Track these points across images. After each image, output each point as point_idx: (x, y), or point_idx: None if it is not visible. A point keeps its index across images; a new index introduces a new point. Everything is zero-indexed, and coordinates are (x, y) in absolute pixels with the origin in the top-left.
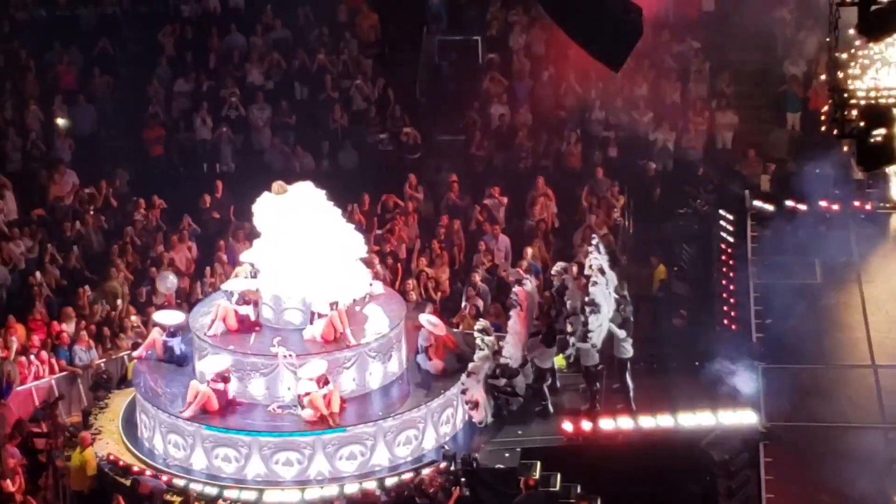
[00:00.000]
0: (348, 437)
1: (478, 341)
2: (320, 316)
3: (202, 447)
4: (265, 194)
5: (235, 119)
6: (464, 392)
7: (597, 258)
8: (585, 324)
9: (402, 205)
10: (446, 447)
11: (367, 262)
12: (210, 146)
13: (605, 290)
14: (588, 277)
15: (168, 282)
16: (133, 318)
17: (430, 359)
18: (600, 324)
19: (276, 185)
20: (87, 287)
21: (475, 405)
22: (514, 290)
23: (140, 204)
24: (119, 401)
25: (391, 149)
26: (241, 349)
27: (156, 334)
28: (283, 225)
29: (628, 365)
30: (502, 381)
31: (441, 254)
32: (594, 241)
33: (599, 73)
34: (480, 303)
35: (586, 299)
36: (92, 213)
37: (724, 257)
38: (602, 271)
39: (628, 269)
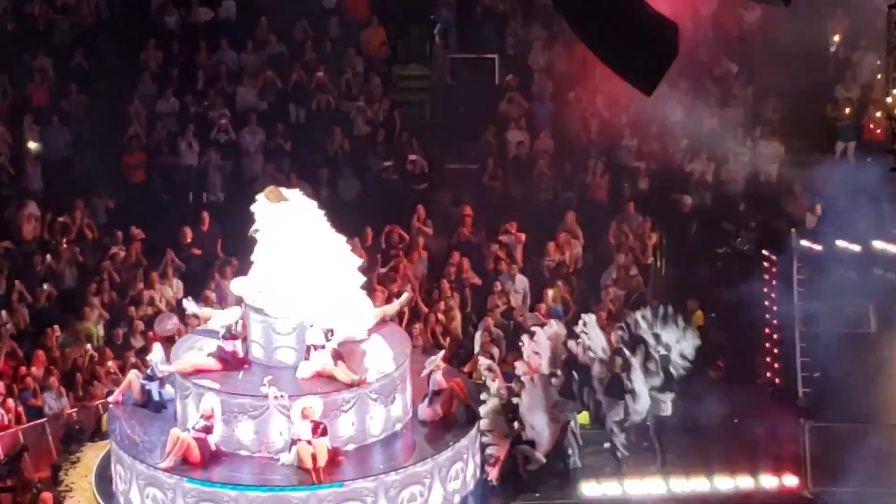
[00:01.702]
0: (346, 492)
1: (486, 380)
2: (316, 349)
3: (184, 502)
4: (259, 199)
5: (225, 143)
6: (485, 448)
7: (644, 330)
8: (627, 412)
9: (409, 240)
10: None
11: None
12: (196, 173)
13: (640, 374)
14: (620, 358)
15: (168, 324)
16: (109, 363)
17: (428, 405)
18: (641, 407)
19: (271, 191)
20: (56, 328)
21: (496, 461)
22: (532, 335)
23: (118, 237)
24: (92, 455)
25: (396, 177)
26: (227, 388)
27: (132, 377)
28: (280, 238)
29: (662, 422)
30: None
31: (452, 295)
32: (638, 315)
33: (630, 96)
34: (496, 350)
35: (628, 386)
36: (65, 245)
37: (767, 302)
38: (644, 345)
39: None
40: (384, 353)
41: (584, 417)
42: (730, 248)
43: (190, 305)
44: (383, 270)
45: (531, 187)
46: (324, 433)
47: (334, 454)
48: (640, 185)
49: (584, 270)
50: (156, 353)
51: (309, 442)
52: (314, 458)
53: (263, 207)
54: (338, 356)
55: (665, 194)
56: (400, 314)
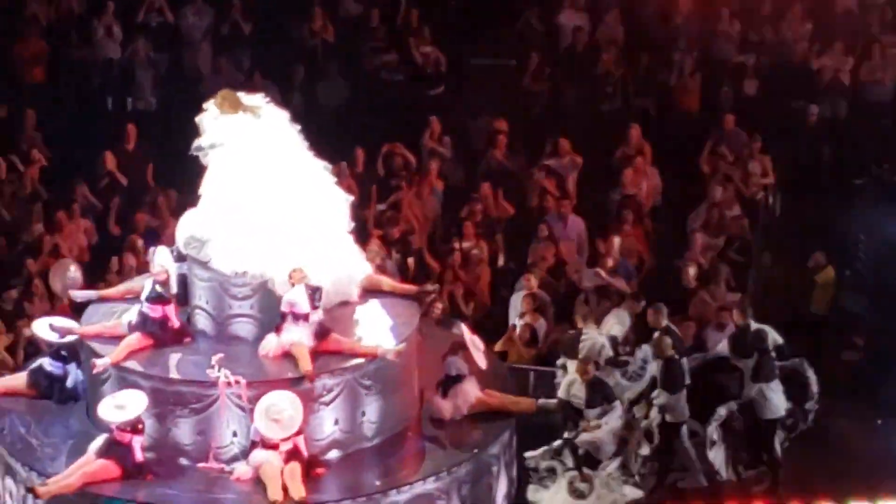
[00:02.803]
0: None
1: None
2: (295, 317)
3: None
4: (208, 107)
5: (158, 28)
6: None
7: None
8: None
9: (417, 165)
10: None
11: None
12: (119, 70)
13: None
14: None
15: (67, 276)
16: None
17: (444, 396)
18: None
19: (225, 96)
20: None
21: None
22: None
23: (6, 160)
24: None
25: (401, 78)
26: (158, 371)
27: (13, 381)
28: (235, 164)
29: (777, 426)
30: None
31: (478, 243)
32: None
33: None
34: (541, 322)
35: None
36: None
37: None
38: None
39: (773, 272)
40: (382, 323)
41: None
42: (872, 177)
43: (83, 295)
44: (381, 207)
45: (592, 91)
46: (296, 433)
47: (311, 465)
48: (745, 89)
49: (664, 209)
50: (41, 327)
51: (275, 447)
52: (283, 474)
53: (214, 119)
54: (325, 332)
55: (782, 102)
56: (403, 269)
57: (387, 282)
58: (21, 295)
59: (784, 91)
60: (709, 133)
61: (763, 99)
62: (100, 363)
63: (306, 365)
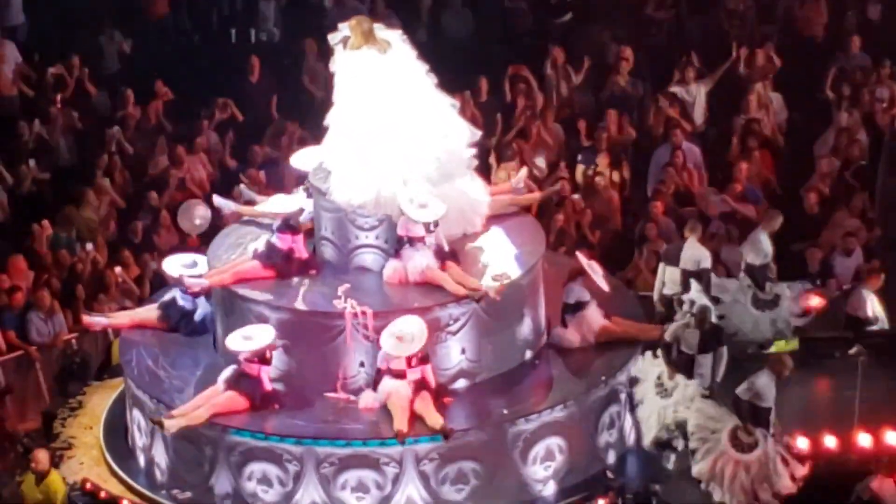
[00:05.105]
0: (455, 448)
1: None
2: (412, 242)
3: (227, 463)
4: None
5: None
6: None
7: None
8: None
9: (541, 94)
10: (609, 473)
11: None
12: (242, 2)
13: None
14: None
15: (196, 215)
16: (117, 269)
17: (565, 325)
18: None
19: (360, 23)
20: (46, 222)
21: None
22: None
23: (131, 95)
24: (99, 398)
25: (525, 7)
26: (285, 303)
27: (145, 314)
28: (364, 96)
29: None
30: None
31: (608, 170)
32: None
33: None
34: (665, 247)
35: None
36: (59, 106)
37: None
38: None
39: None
40: (507, 252)
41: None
42: None
43: (224, 203)
44: (508, 137)
45: (713, 20)
46: (423, 362)
47: (439, 394)
48: (869, 13)
49: (791, 135)
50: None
51: (402, 375)
52: (412, 402)
53: (344, 48)
54: (445, 255)
55: None
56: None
57: (507, 199)
58: (148, 228)
59: None
60: (834, 58)
61: (890, 22)
62: (193, 281)
63: (471, 283)
